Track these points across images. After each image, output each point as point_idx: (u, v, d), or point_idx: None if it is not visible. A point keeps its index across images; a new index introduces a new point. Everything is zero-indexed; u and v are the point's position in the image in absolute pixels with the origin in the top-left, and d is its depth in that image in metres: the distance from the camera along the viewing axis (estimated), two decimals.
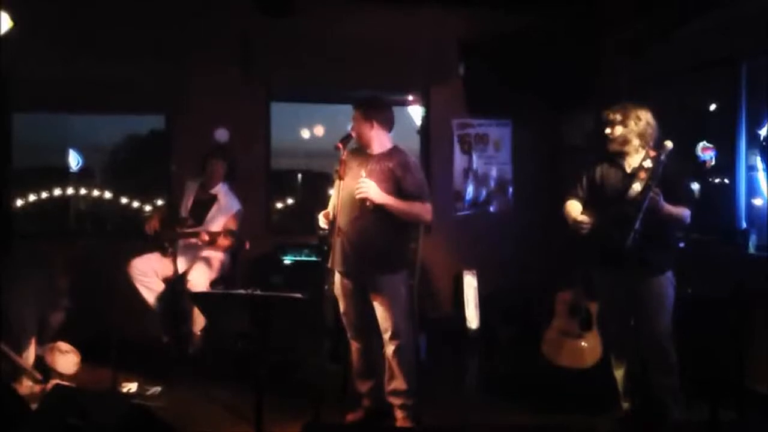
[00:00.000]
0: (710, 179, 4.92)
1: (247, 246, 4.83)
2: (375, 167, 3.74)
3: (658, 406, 3.66)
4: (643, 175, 3.44)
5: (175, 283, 4.92)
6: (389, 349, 3.78)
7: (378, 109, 3.84)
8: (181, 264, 4.97)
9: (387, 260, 3.77)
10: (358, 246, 3.71)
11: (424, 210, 3.78)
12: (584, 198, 3.80)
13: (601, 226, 3.61)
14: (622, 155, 3.67)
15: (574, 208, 3.78)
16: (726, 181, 4.76)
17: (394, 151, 3.82)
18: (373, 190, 3.62)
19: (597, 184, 3.76)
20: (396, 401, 3.84)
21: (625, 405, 3.85)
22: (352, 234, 3.71)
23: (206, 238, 4.76)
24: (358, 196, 3.63)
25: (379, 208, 3.67)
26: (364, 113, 3.79)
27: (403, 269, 3.86)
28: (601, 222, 3.62)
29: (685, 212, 3.53)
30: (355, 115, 3.81)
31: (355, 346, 3.94)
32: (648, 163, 3.45)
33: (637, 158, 3.61)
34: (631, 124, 3.60)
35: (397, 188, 3.71)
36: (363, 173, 3.71)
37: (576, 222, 3.67)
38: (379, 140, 3.82)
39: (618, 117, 3.62)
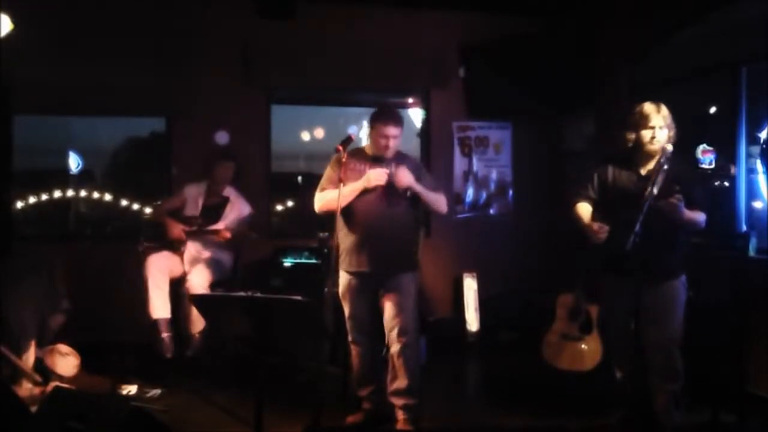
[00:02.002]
0: (710, 182, 4.91)
1: (254, 235, 5.01)
2: (393, 170, 3.79)
3: (659, 410, 3.64)
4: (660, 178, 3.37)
5: (176, 285, 4.92)
6: (395, 347, 3.80)
7: None
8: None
9: (409, 259, 3.89)
10: (387, 246, 3.78)
11: (443, 200, 3.96)
12: (595, 199, 3.68)
13: (612, 230, 3.48)
14: (641, 158, 3.57)
15: (585, 211, 3.66)
16: (726, 184, 4.76)
17: (403, 155, 3.92)
18: (410, 177, 3.74)
19: (609, 186, 3.64)
20: (398, 402, 3.83)
21: (625, 408, 3.83)
22: (381, 234, 3.77)
23: (227, 234, 4.90)
24: (404, 185, 3.72)
25: (401, 206, 3.79)
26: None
27: (416, 268, 3.97)
28: (613, 225, 3.48)
29: (701, 216, 3.49)
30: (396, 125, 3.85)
31: (356, 350, 3.93)
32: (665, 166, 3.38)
33: (651, 161, 3.53)
34: (671, 126, 3.53)
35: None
36: (392, 167, 3.78)
37: (591, 229, 3.52)
38: None
39: (664, 120, 3.52)
